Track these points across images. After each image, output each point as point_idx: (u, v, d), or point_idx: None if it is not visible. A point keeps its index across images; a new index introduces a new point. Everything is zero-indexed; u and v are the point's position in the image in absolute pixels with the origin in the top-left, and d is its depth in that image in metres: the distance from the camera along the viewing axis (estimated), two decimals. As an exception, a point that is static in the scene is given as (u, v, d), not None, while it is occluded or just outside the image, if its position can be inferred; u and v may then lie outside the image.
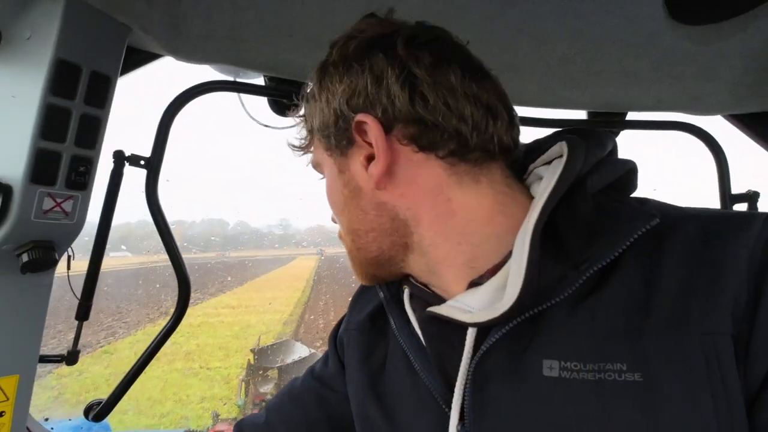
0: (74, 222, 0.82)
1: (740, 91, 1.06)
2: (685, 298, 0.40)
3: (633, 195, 0.51)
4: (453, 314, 0.49)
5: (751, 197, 1.15)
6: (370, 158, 0.52)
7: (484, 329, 0.47)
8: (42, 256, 0.78)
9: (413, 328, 0.56)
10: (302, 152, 0.63)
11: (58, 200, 0.78)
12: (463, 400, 0.47)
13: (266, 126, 1.19)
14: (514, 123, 0.53)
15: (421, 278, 0.57)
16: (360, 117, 0.51)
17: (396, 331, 0.58)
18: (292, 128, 1.24)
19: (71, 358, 0.96)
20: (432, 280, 0.56)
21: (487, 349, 0.46)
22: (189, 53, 0.96)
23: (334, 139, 0.54)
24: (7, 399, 0.84)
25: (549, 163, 0.52)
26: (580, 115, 1.25)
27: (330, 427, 0.69)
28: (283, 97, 1.11)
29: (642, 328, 0.41)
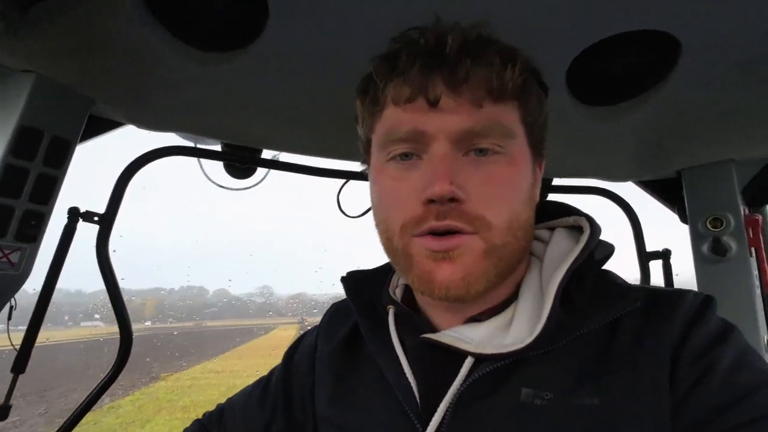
0: (19, 273, 0.86)
1: (640, 161, 1.22)
2: (637, 344, 0.50)
3: None
4: (454, 343, 0.54)
5: (664, 254, 1.27)
6: None
7: (478, 360, 0.53)
8: (-18, 305, 0.82)
9: (393, 350, 0.59)
10: (494, 97, 0.53)
11: (6, 251, 0.83)
12: (442, 423, 0.51)
13: (222, 187, 1.29)
14: None
15: (431, 311, 0.61)
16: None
17: (375, 353, 0.61)
18: (247, 189, 1.33)
19: (2, 412, 0.95)
20: (434, 313, 0.61)
21: (475, 379, 0.52)
22: (150, 122, 1.07)
23: (538, 141, 0.59)
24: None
25: (551, 229, 0.63)
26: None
27: None
28: (237, 161, 1.22)
29: (602, 366, 0.50)
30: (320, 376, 0.70)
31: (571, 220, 0.61)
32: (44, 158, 0.85)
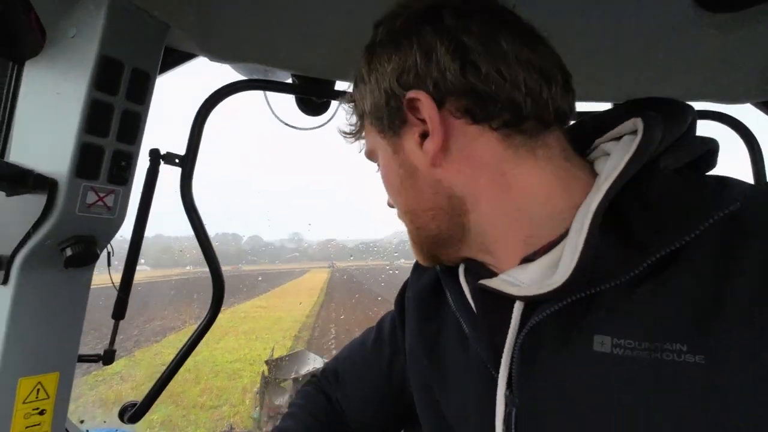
0: (115, 217, 0.83)
1: (769, 77, 1.06)
2: (764, 290, 0.38)
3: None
4: (501, 287, 0.50)
5: (786, 186, 1.14)
6: (423, 135, 0.52)
7: (534, 304, 0.47)
8: (84, 250, 0.79)
9: (467, 299, 0.58)
10: (353, 138, 0.64)
11: (101, 194, 0.79)
12: (511, 369, 0.48)
13: (291, 126, 1.21)
14: (569, 87, 0.53)
15: (478, 258, 0.58)
16: (412, 94, 0.50)
17: (451, 301, 0.60)
18: (316, 129, 1.25)
19: (107, 357, 0.97)
20: (487, 259, 0.56)
21: (536, 323, 0.46)
22: (220, 52, 0.98)
23: (387, 119, 0.54)
24: (48, 397, 0.84)
25: (618, 138, 0.51)
26: (606, 107, 1.25)
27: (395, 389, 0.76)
28: (310, 95, 1.13)
29: (710, 314, 0.39)
30: (408, 316, 0.71)
31: (630, 123, 0.49)
32: (127, 92, 0.78)
